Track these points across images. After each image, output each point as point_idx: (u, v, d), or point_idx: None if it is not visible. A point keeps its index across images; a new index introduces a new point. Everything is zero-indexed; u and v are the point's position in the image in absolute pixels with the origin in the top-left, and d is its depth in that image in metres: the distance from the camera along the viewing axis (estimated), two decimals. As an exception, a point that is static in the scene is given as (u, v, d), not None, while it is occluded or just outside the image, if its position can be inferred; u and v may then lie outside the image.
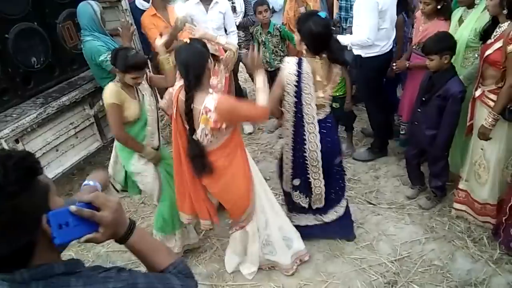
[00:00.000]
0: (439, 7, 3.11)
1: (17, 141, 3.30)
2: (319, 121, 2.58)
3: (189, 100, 2.23)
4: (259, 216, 2.68)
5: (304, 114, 2.51)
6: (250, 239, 2.72)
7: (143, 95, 2.78)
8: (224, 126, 2.28)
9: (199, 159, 2.37)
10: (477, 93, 2.73)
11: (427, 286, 2.64)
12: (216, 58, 2.79)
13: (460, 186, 3.06)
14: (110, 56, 2.87)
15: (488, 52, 2.57)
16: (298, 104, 2.49)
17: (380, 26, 3.39)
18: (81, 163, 4.02)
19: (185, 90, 2.24)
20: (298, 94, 2.46)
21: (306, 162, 2.68)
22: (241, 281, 2.86)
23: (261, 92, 2.32)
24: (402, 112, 3.69)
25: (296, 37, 2.53)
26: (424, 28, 3.24)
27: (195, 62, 2.22)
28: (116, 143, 2.85)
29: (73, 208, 0.95)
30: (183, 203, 2.70)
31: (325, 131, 2.62)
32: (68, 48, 4.07)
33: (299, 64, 2.41)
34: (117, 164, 2.92)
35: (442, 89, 2.81)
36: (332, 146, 2.71)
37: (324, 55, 2.47)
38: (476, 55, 2.95)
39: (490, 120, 2.60)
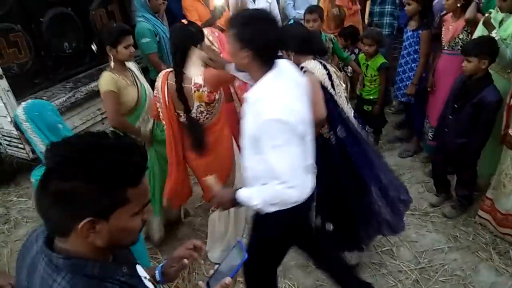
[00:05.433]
0: (458, 5, 3.16)
1: (45, 123, 3.37)
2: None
3: (179, 77, 2.30)
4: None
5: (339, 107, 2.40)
6: (230, 224, 2.73)
7: (141, 83, 2.83)
8: (217, 96, 2.37)
9: (199, 137, 2.42)
10: (513, 100, 2.64)
11: (448, 297, 2.58)
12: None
13: (488, 194, 2.98)
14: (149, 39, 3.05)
15: None
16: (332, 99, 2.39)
17: None
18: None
19: (174, 68, 2.34)
20: (333, 87, 2.38)
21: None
22: (257, 276, 2.85)
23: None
24: (430, 115, 3.62)
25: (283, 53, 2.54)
26: (453, 27, 3.25)
27: (182, 43, 2.29)
28: None
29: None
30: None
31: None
32: (99, 35, 4.13)
33: (318, 61, 2.41)
34: None
35: (477, 97, 2.72)
36: None
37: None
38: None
39: None
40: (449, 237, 3.02)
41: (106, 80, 2.64)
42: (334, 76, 2.41)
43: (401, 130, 4.43)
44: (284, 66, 1.74)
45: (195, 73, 2.31)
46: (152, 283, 1.12)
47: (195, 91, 2.32)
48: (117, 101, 2.67)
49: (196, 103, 2.35)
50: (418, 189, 3.57)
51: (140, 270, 1.10)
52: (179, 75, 2.31)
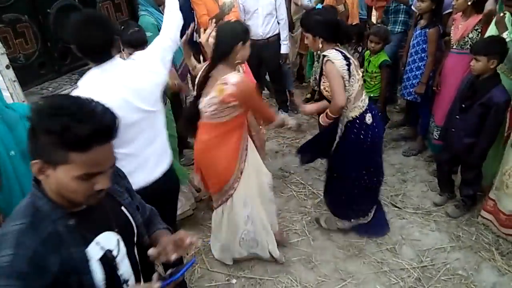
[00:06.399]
0: (469, 3, 3.14)
1: (51, 114, 3.38)
2: (369, 106, 2.64)
3: (210, 68, 2.35)
4: (239, 210, 2.66)
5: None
6: (223, 224, 2.72)
7: None
8: (234, 103, 2.30)
9: (189, 122, 2.49)
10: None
11: (449, 295, 2.58)
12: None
13: (490, 194, 2.98)
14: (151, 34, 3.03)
15: None
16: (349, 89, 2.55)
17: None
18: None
19: (210, 60, 2.37)
20: (349, 77, 2.50)
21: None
22: (258, 273, 2.85)
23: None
24: (435, 114, 3.61)
25: (308, 38, 2.57)
26: (463, 26, 3.24)
27: (225, 39, 2.32)
28: None
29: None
30: None
31: (376, 116, 2.68)
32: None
33: (339, 51, 2.49)
34: None
35: (485, 97, 2.71)
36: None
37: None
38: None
39: None
40: (452, 237, 3.02)
41: None
42: (353, 66, 2.51)
43: (404, 128, 4.43)
44: (113, 66, 1.85)
45: (234, 73, 2.32)
46: (108, 256, 1.15)
47: (221, 83, 2.28)
48: None
49: (212, 94, 2.31)
50: (422, 188, 3.57)
51: (105, 237, 1.16)
52: (212, 67, 2.34)
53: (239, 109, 2.37)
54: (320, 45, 2.54)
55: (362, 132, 2.59)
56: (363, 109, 2.59)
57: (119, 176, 1.34)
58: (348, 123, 2.61)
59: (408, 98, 3.85)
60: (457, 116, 2.92)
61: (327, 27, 2.49)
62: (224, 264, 2.91)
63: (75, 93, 1.79)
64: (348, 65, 2.46)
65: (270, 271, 2.85)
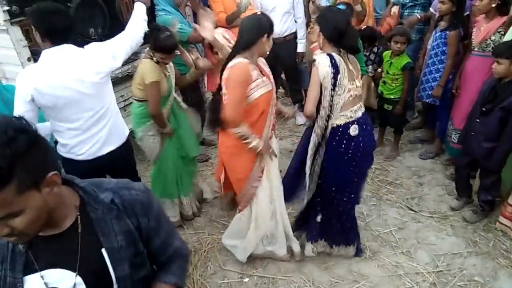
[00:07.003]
0: (493, 5, 3.07)
1: (69, 107, 3.41)
2: (359, 119, 2.44)
3: (229, 59, 2.36)
4: (266, 206, 2.65)
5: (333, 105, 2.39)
6: (251, 225, 2.71)
7: (169, 73, 2.90)
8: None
9: (213, 114, 2.47)
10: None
11: (465, 302, 2.54)
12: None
13: (509, 200, 2.92)
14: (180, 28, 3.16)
15: None
16: (333, 98, 2.37)
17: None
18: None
19: (231, 50, 2.40)
20: (334, 86, 2.34)
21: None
22: (271, 271, 2.84)
23: None
24: (454, 117, 3.55)
25: (316, 31, 2.49)
26: (486, 28, 3.17)
27: (248, 31, 2.33)
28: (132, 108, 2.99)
29: None
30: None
31: (366, 130, 2.49)
32: (124, 23, 4.13)
33: (331, 56, 2.34)
34: None
35: (506, 100, 2.66)
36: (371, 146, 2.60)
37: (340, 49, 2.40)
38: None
39: None
40: (469, 242, 2.97)
41: (151, 70, 2.71)
42: (341, 75, 2.33)
43: (421, 131, 4.38)
44: (62, 50, 2.15)
45: (240, 58, 2.32)
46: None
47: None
48: (159, 92, 2.75)
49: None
50: (439, 191, 3.51)
51: (57, 274, 1.04)
52: (231, 58, 2.34)
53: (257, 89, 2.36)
54: (321, 43, 2.42)
55: (344, 142, 2.43)
56: (350, 120, 2.41)
57: (130, 211, 1.14)
58: (332, 130, 2.43)
59: (427, 100, 3.79)
60: (477, 120, 2.86)
61: (332, 27, 2.34)
62: (237, 262, 2.90)
63: (28, 68, 2.17)
64: (335, 73, 2.30)
65: (283, 270, 2.84)
